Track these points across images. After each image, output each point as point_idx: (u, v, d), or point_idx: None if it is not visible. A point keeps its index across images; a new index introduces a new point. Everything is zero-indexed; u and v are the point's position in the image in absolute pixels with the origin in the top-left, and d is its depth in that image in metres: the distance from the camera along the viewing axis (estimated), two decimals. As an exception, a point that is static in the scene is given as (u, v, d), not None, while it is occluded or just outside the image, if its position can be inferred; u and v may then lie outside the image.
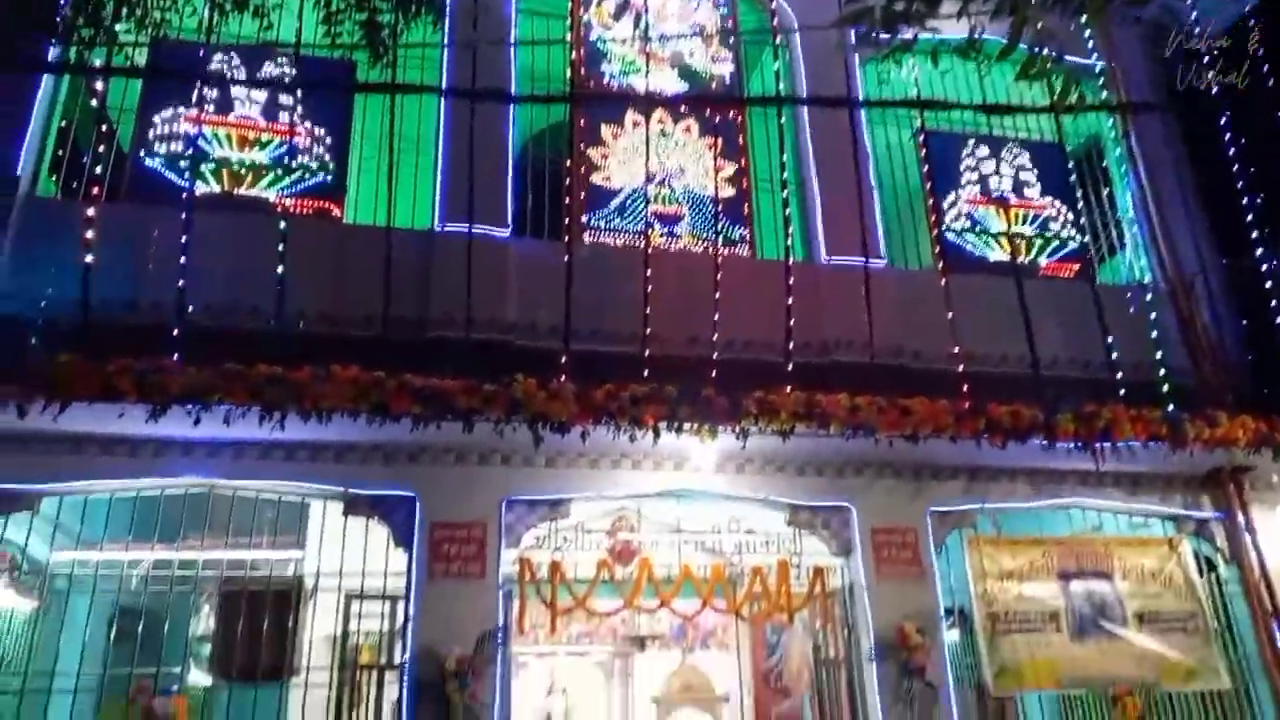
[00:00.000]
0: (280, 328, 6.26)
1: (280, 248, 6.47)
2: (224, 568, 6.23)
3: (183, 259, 6.26)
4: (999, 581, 7.11)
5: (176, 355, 5.76)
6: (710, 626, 9.89)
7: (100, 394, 5.37)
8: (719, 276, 7.06)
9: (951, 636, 7.10)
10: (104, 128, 6.95)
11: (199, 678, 6.78)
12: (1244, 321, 8.14)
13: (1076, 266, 8.57)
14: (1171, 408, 7.09)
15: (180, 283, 6.17)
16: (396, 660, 6.26)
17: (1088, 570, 7.29)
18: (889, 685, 6.58)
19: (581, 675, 10.06)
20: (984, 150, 8.89)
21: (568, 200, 7.65)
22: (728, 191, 8.19)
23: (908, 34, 3.87)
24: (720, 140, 8.22)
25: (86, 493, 6.10)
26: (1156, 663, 7.04)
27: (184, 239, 6.33)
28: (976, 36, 4.03)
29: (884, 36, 3.88)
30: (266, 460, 6.25)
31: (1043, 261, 8.57)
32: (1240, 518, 7.44)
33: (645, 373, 6.54)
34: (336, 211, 7.52)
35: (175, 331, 5.99)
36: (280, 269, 6.41)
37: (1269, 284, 7.72)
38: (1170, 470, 7.42)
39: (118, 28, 4.68)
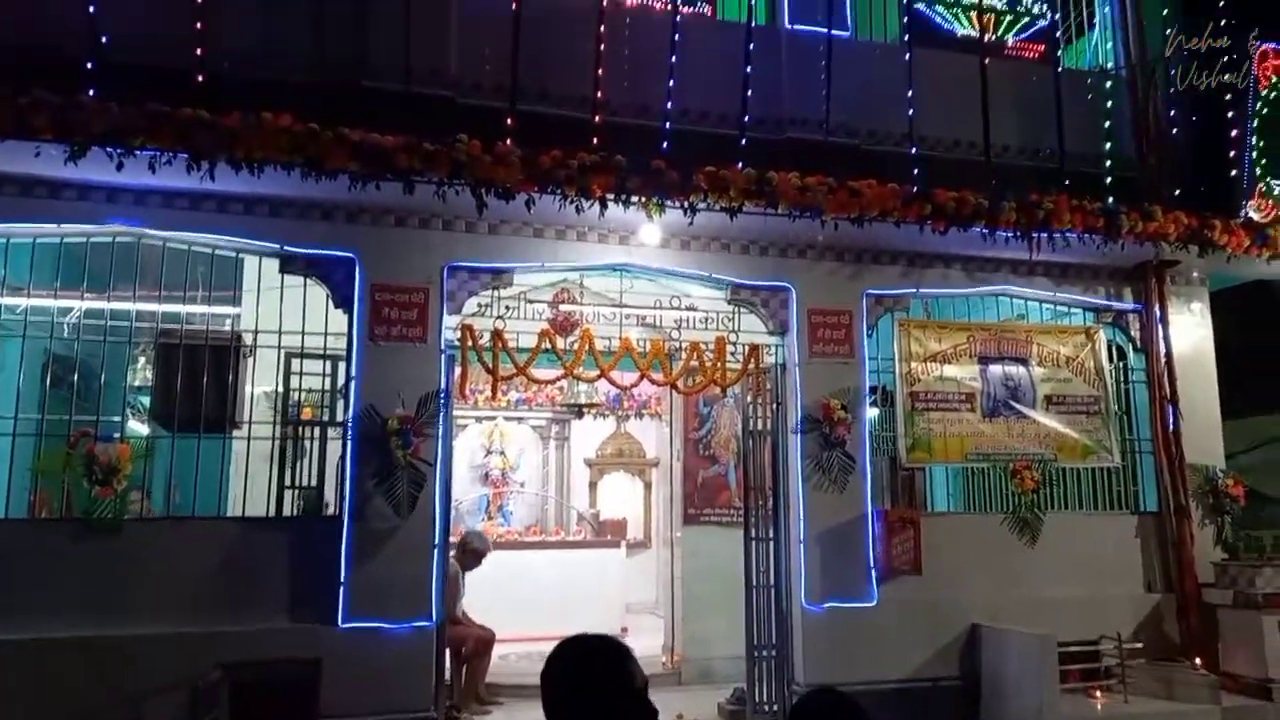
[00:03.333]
0: (205, 66, 5.78)
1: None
2: (159, 320, 6.10)
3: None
4: (923, 363, 7.45)
5: (92, 91, 5.32)
6: (645, 397, 10.26)
7: (14, 130, 4.98)
8: (676, 38, 6.69)
9: (872, 412, 7.48)
10: None
11: (139, 428, 6.82)
12: (1194, 116, 8.14)
13: (1042, 47, 8.32)
14: (1111, 200, 7.19)
15: (90, 9, 5.60)
16: (339, 418, 6.37)
17: (1007, 355, 7.66)
18: (810, 454, 6.97)
19: (520, 439, 10.47)
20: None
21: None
22: (692, -58, 7.61)
23: None
24: (687, -118, 7.52)
25: (7, 235, 5.79)
26: (1057, 441, 7.60)
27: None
28: None
29: None
30: (197, 212, 5.97)
31: (1010, 40, 8.30)
32: (1157, 310, 7.79)
33: (595, 140, 6.32)
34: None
35: (89, 65, 5.49)
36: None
37: (1225, 76, 7.64)
38: (1099, 262, 7.65)
39: None
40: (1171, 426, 7.65)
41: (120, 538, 5.60)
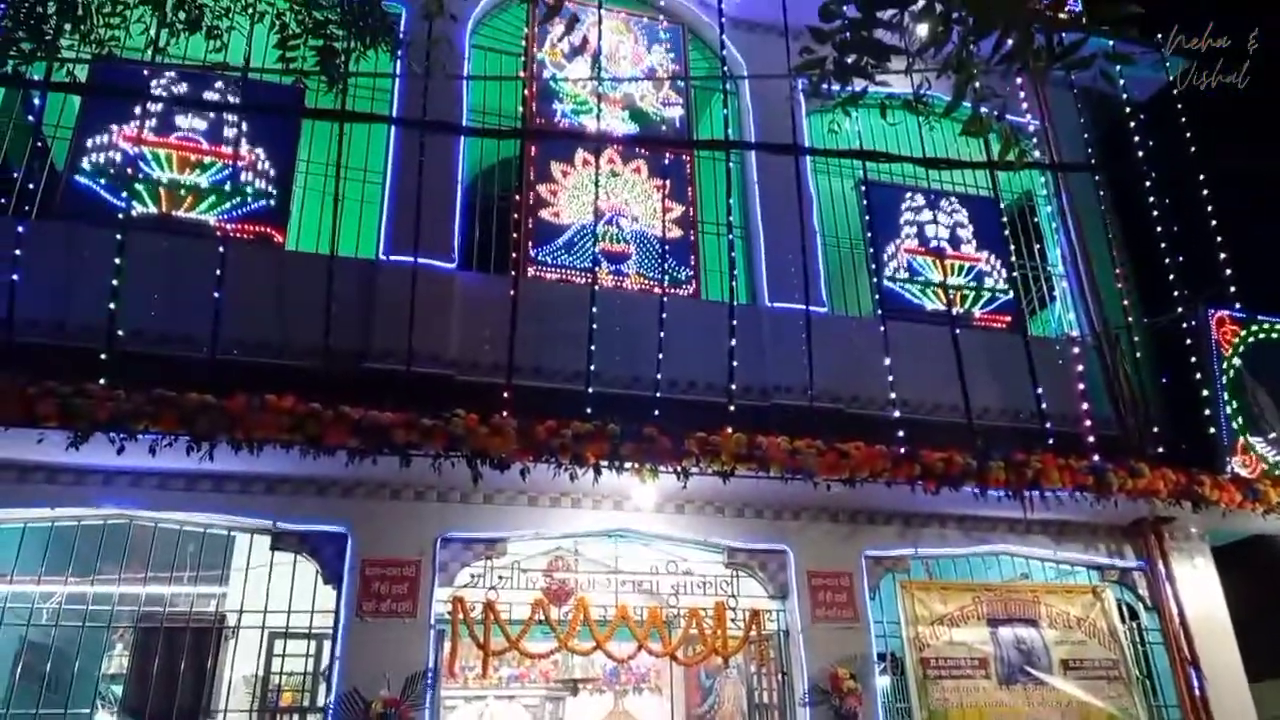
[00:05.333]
0: (215, 356, 6.09)
1: (218, 272, 6.31)
2: (141, 603, 5.95)
3: (114, 281, 6.05)
4: (930, 627, 7.19)
5: (102, 380, 5.54)
6: (644, 670, 9.77)
7: (20, 418, 5.13)
8: (664, 317, 7.10)
9: (883, 681, 7.13)
10: (38, 144, 6.73)
11: (108, 719, 6.44)
12: (1164, 378, 8.48)
13: (1008, 318, 8.83)
14: (1096, 458, 7.31)
15: (111, 305, 5.97)
16: (320, 702, 6.04)
17: (1016, 617, 7.42)
18: (822, 731, 6.57)
19: (511, 719, 9.83)
20: (922, 202, 9.14)
21: (515, 235, 7.65)
22: (675, 233, 8.28)
23: (857, 87, 3.97)
24: (669, 182, 8.32)
25: (-1, 522, 5.82)
26: (1080, 710, 7.17)
27: (116, 260, 6.13)
28: (923, 93, 4.16)
29: (834, 88, 3.97)
30: (192, 491, 6.03)
31: (977, 312, 8.82)
32: (1161, 567, 7.67)
33: (588, 410, 6.52)
34: (278, 238, 7.38)
35: (103, 356, 5.77)
36: (217, 295, 6.24)
37: (1187, 341, 8.05)
38: (1095, 519, 7.63)
39: (60, 42, 4.53)
40: (1198, 691, 7.27)
41: None
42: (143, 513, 5.97)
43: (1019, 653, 7.30)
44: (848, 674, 6.67)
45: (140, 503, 5.94)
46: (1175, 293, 8.28)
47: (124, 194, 6.71)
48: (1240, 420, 7.73)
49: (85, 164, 6.97)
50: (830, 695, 6.62)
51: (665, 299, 7.32)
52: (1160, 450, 7.72)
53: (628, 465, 6.22)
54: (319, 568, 6.20)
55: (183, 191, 7.15)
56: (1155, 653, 7.65)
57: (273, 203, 7.38)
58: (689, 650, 6.93)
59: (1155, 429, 8.01)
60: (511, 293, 6.87)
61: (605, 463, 6.15)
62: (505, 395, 6.43)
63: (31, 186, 6.60)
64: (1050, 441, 7.30)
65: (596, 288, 7.27)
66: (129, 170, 6.82)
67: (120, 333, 5.98)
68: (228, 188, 7.20)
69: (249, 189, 7.32)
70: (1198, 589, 7.78)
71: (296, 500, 6.22)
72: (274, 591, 6.05)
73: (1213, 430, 7.69)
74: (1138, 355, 8.37)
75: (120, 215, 6.49)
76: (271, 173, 7.42)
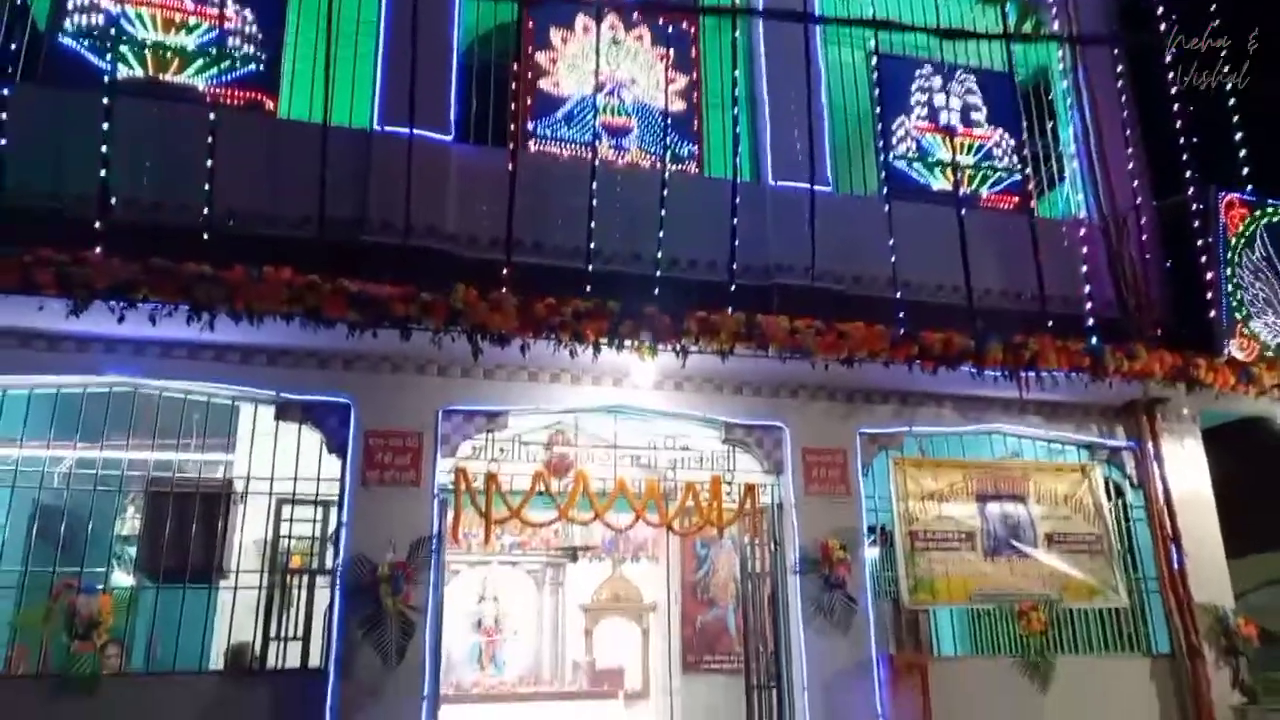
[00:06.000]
0: (210, 225, 6.02)
1: (210, 140, 6.16)
2: (150, 469, 6.09)
3: (104, 148, 5.92)
4: (920, 502, 7.38)
5: (99, 248, 5.49)
6: (641, 539, 10.10)
7: (17, 286, 5.12)
8: (665, 193, 6.98)
9: (872, 553, 7.37)
10: (17, 3, 6.47)
11: (123, 578, 6.70)
12: (1168, 261, 8.41)
13: (1016, 199, 8.68)
14: (1094, 340, 7.33)
15: (102, 173, 5.86)
16: (328, 565, 6.27)
17: (1004, 493, 7.60)
18: (810, 597, 6.83)
19: (513, 584, 10.22)
20: (935, 77, 8.82)
21: (513, 106, 7.43)
22: (678, 106, 8.04)
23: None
24: (672, 51, 8.02)
25: (3, 388, 5.87)
26: (1062, 581, 7.43)
27: (105, 126, 5.97)
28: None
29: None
30: (195, 361, 6.08)
31: (984, 193, 8.66)
32: (1150, 447, 7.81)
33: (588, 288, 6.49)
34: (270, 104, 7.17)
35: (97, 224, 5.70)
36: (210, 162, 6.11)
37: (1195, 224, 7.94)
38: (1089, 400, 7.70)
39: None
40: (1176, 565, 7.53)
41: (96, 696, 5.40)
42: (147, 381, 6.03)
43: (1005, 527, 7.52)
44: (838, 545, 6.89)
45: (144, 371, 5.99)
46: (1187, 174, 8.10)
47: (109, 56, 6.49)
48: (1241, 305, 7.70)
49: (68, 24, 6.72)
50: (820, 564, 6.86)
51: (667, 175, 7.18)
52: (1159, 333, 7.73)
53: (627, 343, 6.25)
54: (324, 438, 6.31)
55: (169, 54, 6.90)
56: (1138, 529, 7.87)
57: (263, 68, 7.14)
58: (685, 521, 7.13)
59: (1156, 312, 8.00)
60: (510, 166, 6.73)
61: (605, 340, 6.19)
62: (505, 271, 6.39)
63: (14, 48, 6.37)
64: (1050, 323, 7.29)
65: (597, 162, 7.11)
66: (112, 31, 6.57)
67: (113, 200, 5.89)
68: (215, 51, 6.95)
69: (238, 53, 7.07)
70: (1185, 468, 7.94)
71: (299, 372, 6.28)
72: (280, 459, 6.17)
73: (1213, 314, 7.67)
74: (1144, 238, 8.27)
75: (106, 79, 6.29)
76: (260, 36, 7.15)
